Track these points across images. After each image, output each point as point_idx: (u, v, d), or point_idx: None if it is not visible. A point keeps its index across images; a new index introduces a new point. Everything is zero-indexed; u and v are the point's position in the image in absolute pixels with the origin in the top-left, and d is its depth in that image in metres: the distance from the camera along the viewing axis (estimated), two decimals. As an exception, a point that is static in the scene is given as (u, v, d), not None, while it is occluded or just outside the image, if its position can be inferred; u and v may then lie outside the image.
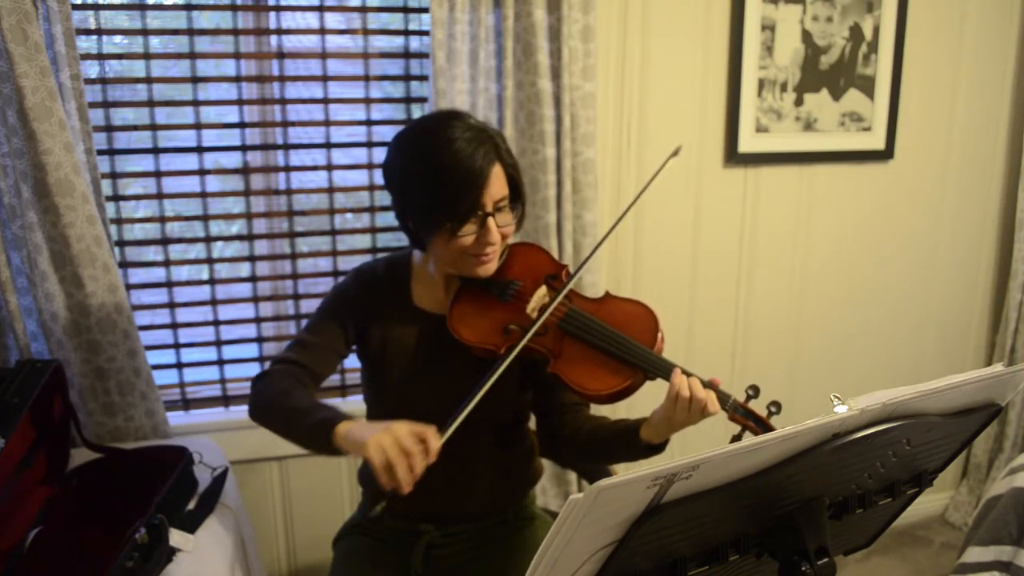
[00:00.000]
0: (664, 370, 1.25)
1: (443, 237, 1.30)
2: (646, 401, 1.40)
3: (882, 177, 2.51)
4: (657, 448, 1.31)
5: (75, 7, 1.78)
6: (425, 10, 2.01)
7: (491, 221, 1.29)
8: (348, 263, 2.13)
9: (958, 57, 2.50)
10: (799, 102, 2.33)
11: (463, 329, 1.36)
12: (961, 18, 2.47)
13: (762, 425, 1.22)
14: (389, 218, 2.15)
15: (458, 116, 1.32)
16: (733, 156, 2.31)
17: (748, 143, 2.31)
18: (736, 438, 1.22)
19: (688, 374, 1.23)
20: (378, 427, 1.18)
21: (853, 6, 2.33)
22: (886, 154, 2.48)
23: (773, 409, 1.22)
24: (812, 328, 2.55)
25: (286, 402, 1.31)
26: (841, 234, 2.51)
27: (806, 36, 2.30)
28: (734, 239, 2.40)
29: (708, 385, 1.23)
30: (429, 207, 1.29)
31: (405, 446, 1.15)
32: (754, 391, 1.23)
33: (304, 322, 2.10)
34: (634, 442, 1.30)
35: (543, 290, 1.39)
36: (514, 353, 1.28)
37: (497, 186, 1.30)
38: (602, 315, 1.35)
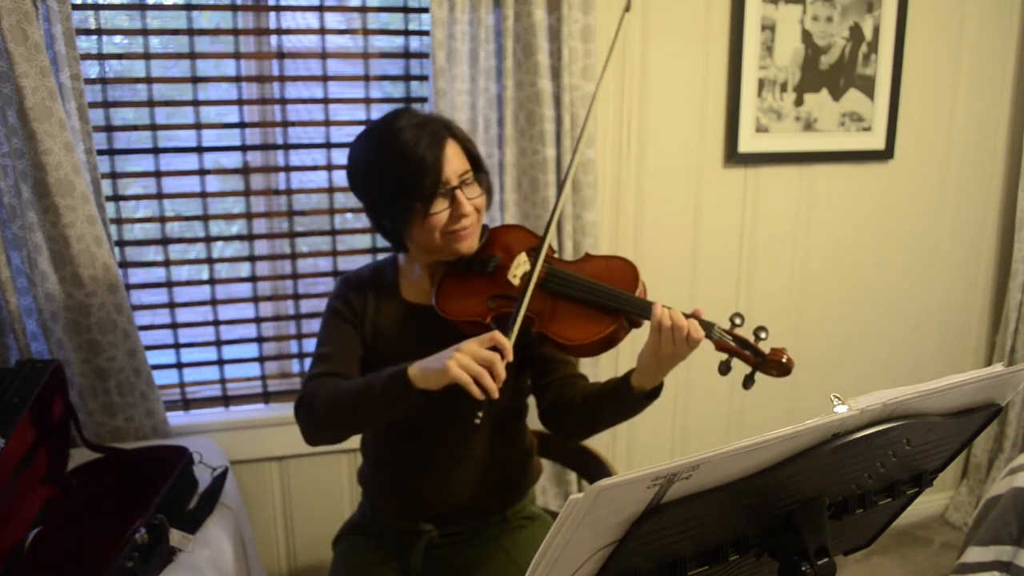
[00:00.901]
0: (645, 309, 1.26)
1: (418, 222, 1.34)
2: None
3: (882, 177, 2.51)
4: (651, 395, 1.30)
5: (75, 7, 1.78)
6: (425, 10, 2.01)
7: (459, 194, 1.34)
8: (348, 263, 2.13)
9: (958, 57, 2.50)
10: (799, 102, 2.34)
11: (448, 306, 1.39)
12: (961, 18, 2.47)
13: (750, 348, 1.20)
14: (389, 218, 2.15)
15: (404, 110, 1.39)
16: (733, 156, 2.31)
17: (748, 143, 2.31)
18: (724, 365, 1.21)
19: (668, 308, 1.23)
20: (447, 353, 1.21)
21: (853, 6, 2.33)
22: (886, 154, 2.48)
23: (762, 335, 1.21)
24: (812, 328, 2.55)
25: (344, 393, 1.33)
26: (841, 234, 2.51)
27: (806, 36, 2.30)
28: (734, 239, 2.40)
29: (691, 316, 1.23)
30: (396, 195, 1.33)
31: (483, 356, 1.19)
32: (740, 319, 1.22)
33: (304, 323, 2.12)
34: (627, 392, 1.30)
35: (522, 257, 1.42)
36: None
37: (456, 161, 1.35)
38: (582, 270, 1.37)
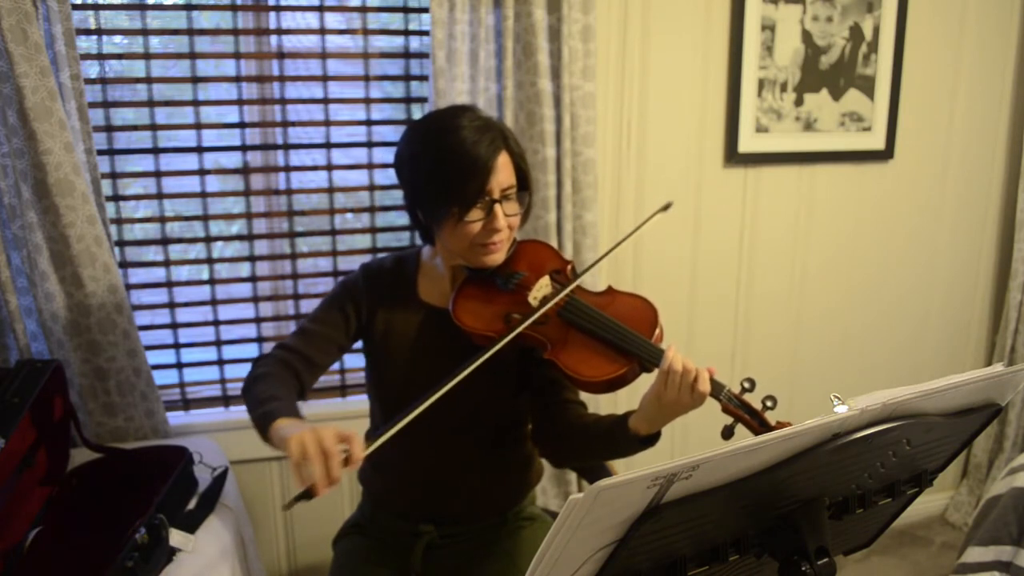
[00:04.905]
0: (659, 357, 1.24)
1: (451, 223, 1.32)
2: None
3: (882, 177, 2.51)
4: (648, 441, 1.28)
5: (75, 7, 1.78)
6: (425, 10, 2.01)
7: (498, 208, 1.32)
8: (348, 263, 2.13)
9: (958, 57, 2.50)
10: (799, 102, 2.33)
11: (465, 316, 1.37)
12: (961, 18, 2.47)
13: (756, 417, 1.20)
14: (389, 218, 2.15)
15: (468, 108, 1.37)
16: (733, 156, 2.31)
17: (748, 143, 2.31)
18: (727, 430, 1.20)
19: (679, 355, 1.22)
20: (306, 426, 1.16)
21: (853, 6, 2.33)
22: (886, 154, 2.48)
23: (769, 404, 1.20)
24: (812, 328, 2.55)
25: (254, 389, 1.32)
26: (841, 234, 2.51)
27: (806, 36, 2.30)
28: (734, 239, 2.40)
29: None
30: (437, 192, 1.32)
31: (326, 446, 1.10)
32: (750, 384, 1.21)
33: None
34: (623, 433, 1.28)
35: (545, 280, 1.41)
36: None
37: (504, 174, 1.32)
38: (602, 306, 1.36)
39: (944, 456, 0.98)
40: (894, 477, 0.94)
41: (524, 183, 1.38)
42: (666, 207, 1.43)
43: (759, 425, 1.19)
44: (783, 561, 0.86)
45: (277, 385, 1.34)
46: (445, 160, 1.30)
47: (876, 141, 2.45)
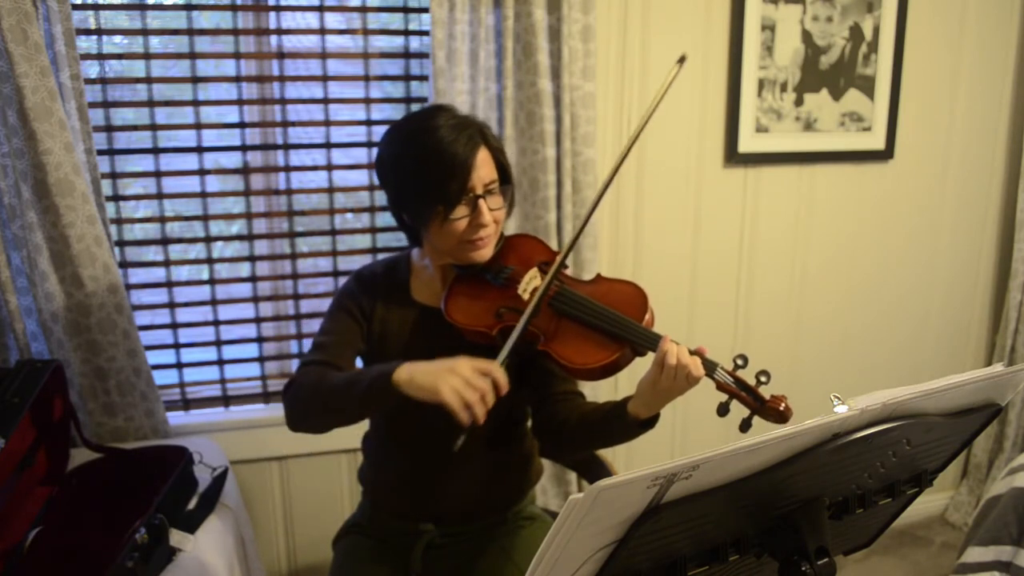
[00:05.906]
0: (652, 342, 1.25)
1: (436, 223, 1.33)
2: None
3: (882, 177, 2.51)
4: (647, 424, 1.29)
5: (75, 7, 1.78)
6: (425, 10, 2.01)
7: (482, 203, 1.33)
8: (348, 263, 2.13)
9: (958, 57, 2.50)
10: (799, 102, 2.33)
11: (456, 313, 1.38)
12: (961, 18, 2.47)
13: (751, 393, 1.20)
14: (389, 218, 2.15)
15: (443, 108, 1.38)
16: (733, 156, 2.31)
17: (748, 143, 2.31)
18: (723, 407, 1.20)
19: (675, 343, 1.23)
20: (442, 368, 1.21)
21: (853, 6, 2.33)
22: (886, 154, 2.48)
23: (763, 379, 1.20)
24: (812, 328, 2.55)
25: (327, 384, 1.32)
26: (841, 234, 2.51)
27: (806, 36, 2.30)
28: (734, 239, 2.40)
29: (695, 353, 1.22)
30: (420, 194, 1.33)
31: (477, 385, 1.19)
32: (743, 360, 1.22)
33: (304, 323, 2.13)
34: (622, 418, 1.29)
35: (533, 271, 1.41)
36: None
37: (485, 169, 1.34)
38: (592, 293, 1.36)
39: (944, 456, 0.98)
40: (894, 477, 0.94)
41: (506, 177, 1.39)
42: (681, 60, 1.39)
43: (754, 400, 1.20)
44: (783, 561, 0.86)
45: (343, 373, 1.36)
46: (425, 161, 1.31)
47: (876, 141, 2.45)
